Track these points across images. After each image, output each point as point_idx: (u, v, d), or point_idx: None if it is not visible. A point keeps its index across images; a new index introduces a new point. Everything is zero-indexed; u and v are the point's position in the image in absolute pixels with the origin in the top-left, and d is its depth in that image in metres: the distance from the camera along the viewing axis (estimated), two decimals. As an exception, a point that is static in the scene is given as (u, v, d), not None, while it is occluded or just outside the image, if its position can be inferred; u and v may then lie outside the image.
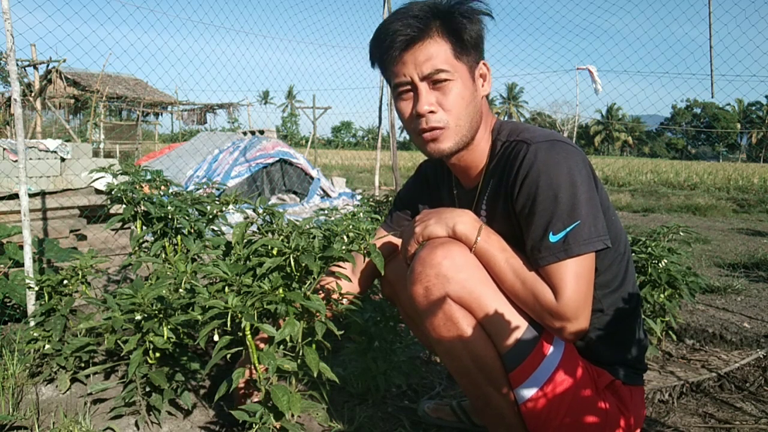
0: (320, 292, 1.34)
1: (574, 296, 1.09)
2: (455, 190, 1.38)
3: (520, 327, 1.15)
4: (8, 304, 2.42)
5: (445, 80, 1.14)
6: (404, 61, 1.15)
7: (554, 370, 1.16)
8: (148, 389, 1.55)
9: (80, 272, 1.92)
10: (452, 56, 1.14)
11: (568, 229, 1.08)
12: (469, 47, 1.15)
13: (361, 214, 3.01)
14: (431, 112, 1.16)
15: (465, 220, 1.21)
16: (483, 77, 1.21)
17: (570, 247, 1.08)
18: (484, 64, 1.21)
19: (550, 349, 1.17)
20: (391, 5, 5.60)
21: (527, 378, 1.15)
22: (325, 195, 8.41)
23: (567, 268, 1.09)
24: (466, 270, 1.15)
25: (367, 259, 1.30)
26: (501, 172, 1.21)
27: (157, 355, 1.51)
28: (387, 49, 1.15)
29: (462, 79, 1.15)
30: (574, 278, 1.09)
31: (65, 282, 1.92)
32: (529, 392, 1.16)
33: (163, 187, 1.92)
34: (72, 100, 15.66)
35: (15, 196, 3.62)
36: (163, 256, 1.83)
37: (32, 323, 1.93)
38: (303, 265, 1.24)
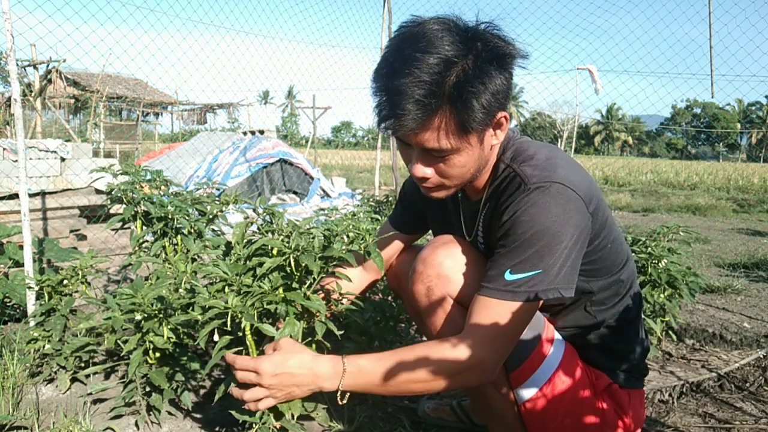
0: (320, 292, 1.34)
1: (497, 343, 1.04)
2: (459, 195, 1.34)
3: None
4: (8, 304, 2.42)
5: (447, 155, 1.05)
6: (407, 135, 1.04)
7: (554, 372, 1.16)
8: (148, 389, 1.55)
9: (80, 272, 1.92)
10: (457, 134, 1.02)
11: (526, 275, 1.02)
12: (477, 124, 1.02)
13: (361, 214, 3.01)
14: (427, 178, 1.10)
15: (326, 376, 1.07)
16: (499, 126, 1.08)
17: (518, 290, 1.02)
18: (503, 116, 1.06)
19: (550, 351, 1.17)
20: (391, 5, 5.60)
21: (527, 379, 1.16)
22: (325, 195, 8.41)
23: (500, 310, 1.03)
24: (467, 270, 1.15)
25: (369, 261, 1.30)
26: (498, 197, 1.15)
27: (157, 355, 1.50)
28: (392, 127, 1.04)
29: (466, 149, 1.05)
30: (504, 325, 1.03)
31: (65, 282, 1.92)
32: (528, 393, 1.16)
33: (163, 187, 1.92)
34: (72, 100, 15.66)
35: (15, 196, 3.62)
36: (163, 256, 1.83)
37: (32, 323, 1.93)
38: (303, 265, 1.24)
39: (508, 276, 1.03)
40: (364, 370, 1.06)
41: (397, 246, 1.49)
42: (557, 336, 1.20)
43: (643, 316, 1.31)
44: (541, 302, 1.07)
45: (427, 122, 1.00)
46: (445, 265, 1.14)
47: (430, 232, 1.51)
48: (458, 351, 1.03)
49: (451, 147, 1.03)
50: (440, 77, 0.97)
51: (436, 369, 1.03)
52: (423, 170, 1.08)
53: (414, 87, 0.97)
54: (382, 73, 1.03)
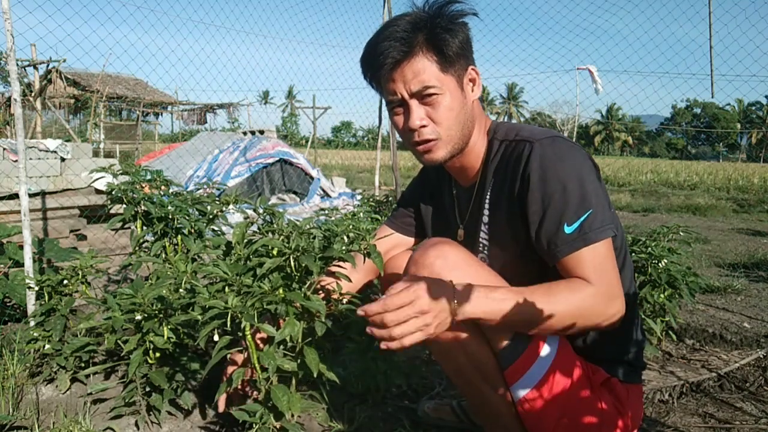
0: (320, 292, 1.34)
1: (606, 276, 1.09)
2: (454, 191, 1.40)
3: None
4: (8, 304, 2.42)
5: (433, 95, 1.16)
6: (394, 79, 1.18)
7: (548, 369, 1.16)
8: (148, 389, 1.55)
9: (80, 272, 1.92)
10: (438, 71, 1.16)
11: (581, 219, 1.10)
12: (454, 59, 1.17)
13: (361, 214, 3.01)
14: (422, 126, 1.19)
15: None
16: (473, 82, 1.23)
17: (586, 235, 1.09)
18: (473, 69, 1.22)
19: (544, 348, 1.17)
20: (391, 5, 5.60)
21: (521, 376, 1.16)
22: (325, 195, 8.41)
23: (588, 255, 1.09)
24: (459, 269, 1.15)
25: (367, 259, 1.30)
26: (504, 172, 1.22)
27: (157, 355, 1.51)
28: (377, 69, 1.19)
29: (450, 91, 1.18)
30: (600, 262, 1.10)
31: (65, 282, 1.92)
32: (523, 391, 1.16)
33: (163, 187, 1.92)
34: (72, 100, 15.65)
35: (15, 196, 3.62)
36: (164, 256, 1.83)
37: (32, 323, 1.93)
38: (303, 265, 1.24)
39: (567, 229, 1.10)
40: (500, 291, 1.08)
41: (392, 248, 1.51)
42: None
43: (642, 315, 1.32)
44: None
45: (409, 53, 1.15)
46: (437, 264, 1.15)
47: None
48: (579, 288, 1.08)
49: (435, 84, 1.15)
50: (413, 26, 1.16)
51: (578, 307, 1.08)
52: (419, 115, 1.18)
53: (392, 34, 1.15)
54: (365, 54, 1.22)
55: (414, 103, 1.18)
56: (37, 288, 1.93)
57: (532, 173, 1.14)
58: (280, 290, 1.22)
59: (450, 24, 1.17)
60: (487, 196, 1.27)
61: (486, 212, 1.28)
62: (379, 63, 1.17)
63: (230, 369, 1.38)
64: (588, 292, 1.08)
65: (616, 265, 1.13)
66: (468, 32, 1.20)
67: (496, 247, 1.28)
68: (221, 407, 1.38)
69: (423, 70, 1.15)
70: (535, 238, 1.15)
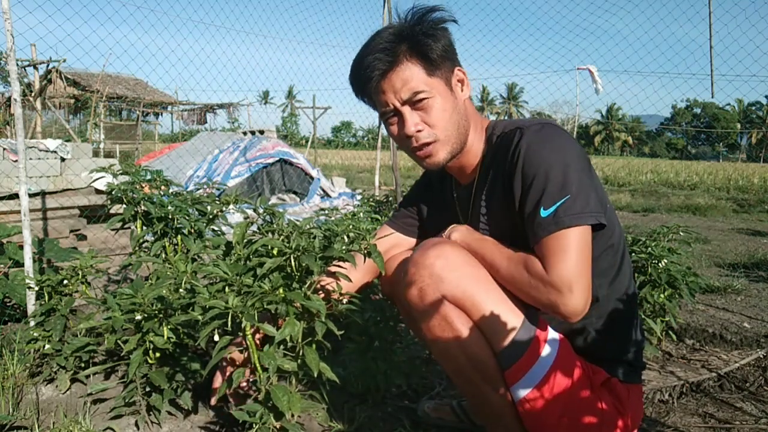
0: (320, 292, 1.34)
1: (566, 267, 1.08)
2: (455, 191, 1.40)
3: (516, 326, 1.16)
4: (8, 304, 2.42)
5: (424, 99, 1.18)
6: (383, 90, 1.19)
7: (549, 370, 1.16)
8: (148, 389, 1.55)
9: (80, 272, 1.92)
10: (425, 75, 1.18)
11: (558, 204, 1.10)
12: (439, 63, 1.19)
13: (362, 214, 3.01)
14: (418, 131, 1.20)
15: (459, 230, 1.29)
16: (461, 82, 1.25)
17: (560, 219, 1.09)
18: (459, 70, 1.24)
19: (545, 349, 1.17)
20: (391, 5, 5.60)
21: (522, 377, 1.16)
22: (325, 195, 8.41)
23: (558, 240, 1.09)
24: (459, 269, 1.16)
25: (367, 259, 1.30)
26: (499, 161, 1.24)
27: (157, 355, 1.50)
28: (366, 82, 1.21)
29: (440, 93, 1.19)
30: (565, 250, 1.08)
31: (65, 282, 1.92)
32: (524, 391, 1.16)
33: (163, 187, 1.92)
34: (72, 100, 15.65)
35: (15, 196, 3.62)
36: (163, 256, 1.83)
37: (32, 323, 1.93)
38: (303, 265, 1.24)
39: (543, 213, 1.11)
40: (485, 239, 1.24)
41: (393, 247, 1.51)
42: (553, 335, 1.20)
43: (642, 315, 1.32)
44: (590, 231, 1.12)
45: (395, 62, 1.17)
46: (437, 264, 1.15)
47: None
48: (530, 267, 1.12)
49: (424, 88, 1.17)
50: (396, 36, 1.18)
51: (527, 279, 1.12)
52: (414, 121, 1.20)
53: (376, 47, 1.18)
54: (352, 71, 1.25)
55: (407, 110, 1.19)
56: (37, 288, 1.93)
57: (518, 157, 1.15)
58: (281, 290, 1.22)
59: (431, 30, 1.19)
60: (484, 189, 1.28)
61: (483, 203, 1.29)
62: (367, 76, 1.19)
63: (228, 369, 1.38)
64: (534, 276, 1.10)
65: (587, 258, 1.11)
66: (450, 37, 1.22)
67: (495, 236, 1.28)
68: (213, 401, 1.36)
69: (411, 77, 1.17)
70: (520, 221, 1.17)
